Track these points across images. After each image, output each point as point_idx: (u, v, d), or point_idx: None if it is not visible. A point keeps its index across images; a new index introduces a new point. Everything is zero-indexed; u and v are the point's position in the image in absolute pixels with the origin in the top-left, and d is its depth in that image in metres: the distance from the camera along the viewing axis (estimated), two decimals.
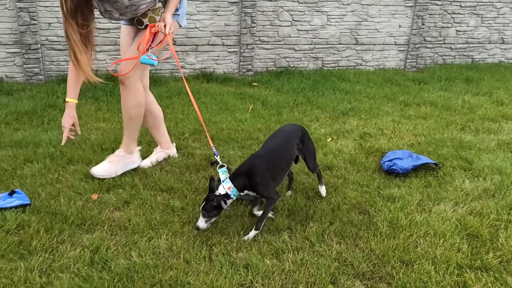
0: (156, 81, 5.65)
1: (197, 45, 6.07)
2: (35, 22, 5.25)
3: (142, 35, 3.02)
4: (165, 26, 2.98)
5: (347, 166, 3.59)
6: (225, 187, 2.58)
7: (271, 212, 2.79)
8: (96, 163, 3.36)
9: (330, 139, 4.14)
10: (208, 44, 6.12)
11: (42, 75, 5.50)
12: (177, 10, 3.18)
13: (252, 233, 2.63)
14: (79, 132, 3.04)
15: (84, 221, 2.72)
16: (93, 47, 2.88)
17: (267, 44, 6.41)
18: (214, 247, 2.52)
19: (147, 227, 2.69)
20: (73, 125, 2.97)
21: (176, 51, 5.97)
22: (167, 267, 2.35)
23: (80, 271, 2.26)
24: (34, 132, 3.97)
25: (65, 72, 5.54)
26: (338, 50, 6.76)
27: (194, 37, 6.03)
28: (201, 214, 2.56)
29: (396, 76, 6.59)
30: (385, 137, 4.21)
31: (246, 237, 2.62)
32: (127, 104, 3.24)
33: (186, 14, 5.80)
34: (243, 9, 6.05)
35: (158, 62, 3.06)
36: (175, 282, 2.22)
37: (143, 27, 3.07)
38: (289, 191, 3.14)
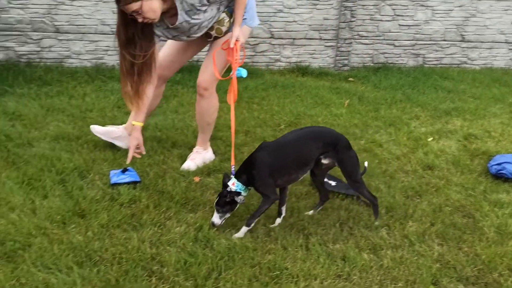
0: (252, 73, 5.78)
1: (294, 38, 6.11)
2: None
3: (215, 48, 3.10)
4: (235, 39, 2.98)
5: (449, 168, 3.43)
6: (230, 183, 2.56)
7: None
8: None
9: (431, 138, 3.97)
10: (305, 38, 6.14)
11: None
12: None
13: (243, 230, 2.55)
14: (144, 153, 3.07)
15: (187, 201, 2.88)
16: (150, 77, 2.91)
17: (366, 39, 6.28)
18: (310, 237, 2.55)
19: (245, 211, 2.78)
20: (138, 146, 3.00)
21: (273, 44, 6.07)
22: (265, 251, 2.42)
23: (185, 246, 2.40)
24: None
25: None
26: (441, 47, 6.44)
27: (292, 31, 6.07)
28: (215, 210, 2.54)
29: (505, 76, 6.14)
30: (493, 140, 3.95)
31: (236, 235, 2.53)
32: (206, 113, 3.36)
33: (286, 8, 5.87)
34: (343, 3, 5.98)
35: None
36: (273, 266, 2.29)
37: (211, 39, 3.15)
38: (311, 211, 2.83)
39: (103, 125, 3.65)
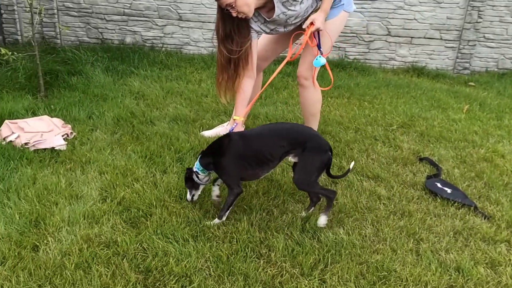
0: (364, 71, 5.66)
1: (412, 37, 5.87)
2: None
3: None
4: (311, 25, 2.91)
5: None
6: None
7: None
8: None
9: None
10: (424, 37, 5.86)
11: None
12: (339, 1, 3.11)
13: (215, 221, 2.49)
14: None
15: (294, 191, 2.91)
16: (247, 71, 2.93)
17: (492, 42, 5.84)
18: (421, 242, 2.45)
19: (353, 208, 2.75)
20: None
21: (389, 42, 5.88)
22: (373, 250, 2.37)
23: (292, 235, 2.44)
24: (254, 105, 4.37)
25: (282, 54, 5.94)
26: None
27: (411, 29, 5.83)
28: None
29: None
30: None
31: (210, 222, 2.49)
32: (308, 102, 3.35)
33: (407, 4, 5.64)
34: (471, 2, 5.61)
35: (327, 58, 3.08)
36: (381, 266, 2.24)
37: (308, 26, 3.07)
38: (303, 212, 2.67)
39: (217, 110, 3.81)
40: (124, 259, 2.20)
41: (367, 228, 2.56)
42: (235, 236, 2.39)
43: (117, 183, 2.85)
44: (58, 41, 5.94)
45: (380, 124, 4.06)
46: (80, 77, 4.65)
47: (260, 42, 3.32)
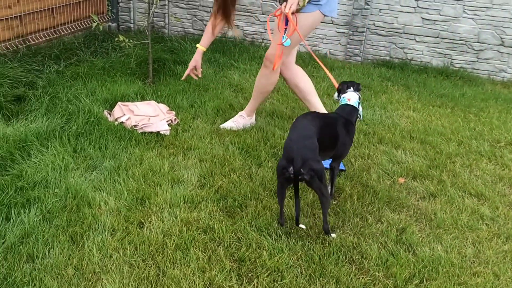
0: (471, 81, 5.34)
1: None
2: (368, 7, 5.61)
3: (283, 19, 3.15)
4: (285, 5, 2.94)
5: None
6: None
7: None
8: (404, 149, 3.48)
9: None
10: None
11: (359, 57, 5.88)
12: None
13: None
14: (200, 75, 3.54)
15: (390, 199, 2.83)
16: (220, 15, 3.33)
17: None
18: None
19: (452, 225, 2.62)
20: (196, 68, 3.48)
21: (501, 52, 5.48)
22: (473, 272, 2.25)
23: (387, 244, 2.38)
24: None
25: (381, 57, 5.79)
26: None
27: None
28: None
29: None
30: None
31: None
32: (264, 82, 3.52)
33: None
34: None
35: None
36: None
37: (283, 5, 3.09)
38: None
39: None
40: (220, 246, 2.29)
41: (467, 247, 2.43)
42: (328, 238, 2.38)
43: (215, 171, 2.96)
44: (166, 30, 6.27)
45: (486, 139, 3.81)
46: (185, 66, 4.87)
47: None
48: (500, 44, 5.47)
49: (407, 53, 5.70)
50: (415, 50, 5.67)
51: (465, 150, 3.57)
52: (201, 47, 3.50)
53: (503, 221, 2.70)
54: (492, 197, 2.94)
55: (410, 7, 5.49)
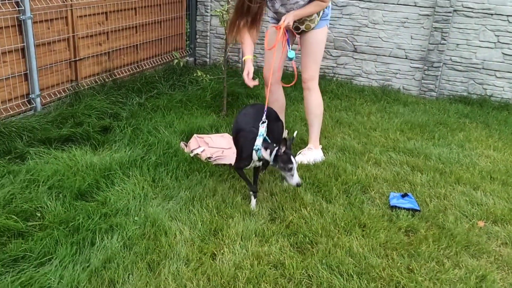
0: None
1: None
2: (444, 42, 5.49)
3: (304, 44, 3.64)
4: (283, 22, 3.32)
5: None
6: None
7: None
8: (484, 191, 3.33)
9: None
10: None
11: (435, 92, 5.73)
12: (326, 15, 3.57)
13: None
14: (257, 83, 3.38)
15: (469, 244, 2.70)
16: (255, 27, 3.42)
17: None
18: None
19: None
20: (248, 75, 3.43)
21: None
22: None
23: None
24: (425, 144, 4.18)
25: (458, 93, 5.60)
26: None
27: None
28: None
29: None
30: None
31: None
32: (313, 104, 3.77)
33: None
34: None
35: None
36: None
37: (299, 31, 3.61)
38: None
39: (385, 145, 3.77)
40: (290, 282, 2.29)
41: None
42: (401, 281, 2.30)
43: (286, 206, 2.99)
44: (240, 65, 6.49)
45: None
46: (257, 100, 5.00)
47: (266, 62, 3.87)
48: None
49: (486, 89, 5.48)
50: (495, 86, 5.43)
51: None
52: (248, 56, 3.51)
53: None
54: None
55: (490, 42, 5.31)
